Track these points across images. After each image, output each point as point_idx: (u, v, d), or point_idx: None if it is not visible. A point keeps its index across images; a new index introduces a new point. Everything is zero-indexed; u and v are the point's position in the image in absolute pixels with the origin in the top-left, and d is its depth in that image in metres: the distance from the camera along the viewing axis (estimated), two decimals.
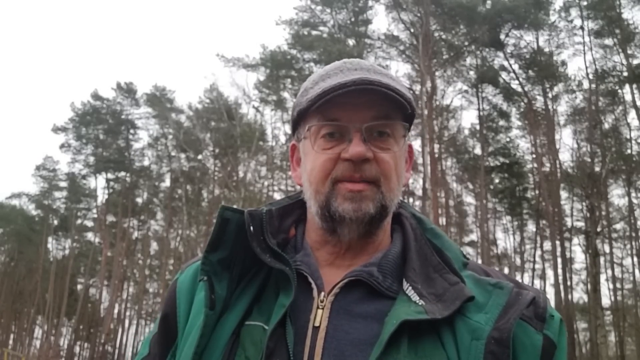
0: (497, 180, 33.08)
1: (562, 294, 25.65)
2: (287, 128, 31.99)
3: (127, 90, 37.91)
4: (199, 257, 0.91)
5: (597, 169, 25.64)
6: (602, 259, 26.99)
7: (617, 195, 31.87)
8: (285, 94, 31.62)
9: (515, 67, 29.21)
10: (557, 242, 26.46)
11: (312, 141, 0.89)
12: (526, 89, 29.23)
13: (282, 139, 33.49)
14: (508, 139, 31.83)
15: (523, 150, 32.03)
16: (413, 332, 0.77)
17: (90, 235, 44.53)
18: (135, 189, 40.27)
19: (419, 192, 27.59)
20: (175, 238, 39.65)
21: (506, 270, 29.51)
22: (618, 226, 29.56)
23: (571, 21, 27.63)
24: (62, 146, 38.88)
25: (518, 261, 33.81)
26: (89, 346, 41.91)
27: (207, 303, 0.83)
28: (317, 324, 0.81)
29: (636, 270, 27.90)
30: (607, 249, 28.89)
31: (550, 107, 28.75)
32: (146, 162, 39.68)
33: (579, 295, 33.99)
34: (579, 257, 50.17)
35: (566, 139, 33.28)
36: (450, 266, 0.87)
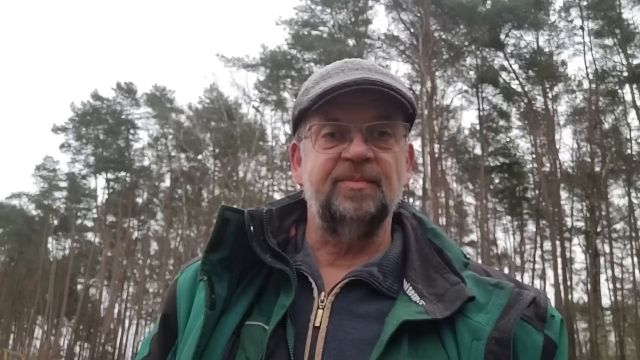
0: (497, 180, 33.10)
1: (562, 294, 25.65)
2: (287, 128, 32.01)
3: (127, 90, 37.92)
4: (199, 257, 0.91)
5: (597, 169, 25.65)
6: (602, 259, 27.00)
7: (617, 195, 31.87)
8: (285, 94, 31.65)
9: (515, 67, 29.25)
10: (557, 242, 26.46)
11: (312, 141, 0.89)
12: (526, 89, 29.24)
13: (282, 139, 33.53)
14: (508, 139, 31.88)
15: (523, 150, 32.09)
16: (414, 333, 0.77)
17: (90, 235, 44.56)
18: (135, 189, 40.27)
19: (419, 192, 27.59)
20: (175, 238, 39.67)
21: (506, 270, 29.49)
22: (618, 226, 29.59)
23: (571, 21, 27.65)
24: (62, 146, 38.91)
25: (518, 261, 33.85)
26: (89, 346, 41.91)
27: (207, 303, 0.83)
28: (317, 324, 0.81)
29: (636, 270, 27.93)
30: (607, 249, 28.88)
31: (550, 107, 28.77)
32: (146, 162, 39.74)
33: (579, 295, 34.03)
34: (579, 257, 50.22)
35: (566, 139, 33.34)
36: (451, 266, 0.87)
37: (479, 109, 30.32)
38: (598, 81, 26.81)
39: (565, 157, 34.97)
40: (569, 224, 29.24)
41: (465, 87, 30.85)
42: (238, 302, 0.86)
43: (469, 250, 32.37)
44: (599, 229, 25.47)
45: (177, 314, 0.90)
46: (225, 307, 0.86)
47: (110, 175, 39.70)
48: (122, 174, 39.74)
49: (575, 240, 29.71)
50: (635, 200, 27.63)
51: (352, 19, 30.19)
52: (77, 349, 42.91)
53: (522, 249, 33.79)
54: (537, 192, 30.67)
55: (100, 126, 38.41)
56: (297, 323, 0.81)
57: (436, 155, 27.00)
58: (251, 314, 0.85)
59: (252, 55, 31.24)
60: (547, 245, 30.80)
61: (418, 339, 0.77)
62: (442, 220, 28.05)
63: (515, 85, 29.54)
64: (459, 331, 0.78)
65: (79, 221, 43.00)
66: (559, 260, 26.40)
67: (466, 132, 33.77)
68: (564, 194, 29.22)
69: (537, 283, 30.75)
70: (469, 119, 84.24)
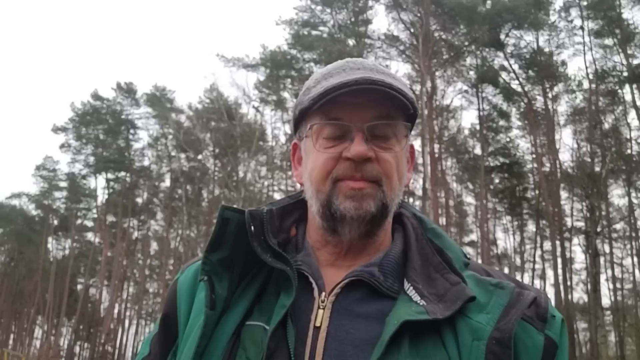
0: (497, 180, 33.11)
1: (562, 294, 25.66)
2: (287, 128, 32.05)
3: (127, 90, 37.93)
4: (200, 257, 0.91)
5: (597, 169, 25.66)
6: (602, 259, 27.00)
7: (617, 195, 31.89)
8: (285, 94, 31.67)
9: (515, 67, 29.27)
10: (557, 242, 26.47)
11: (313, 140, 0.89)
12: (526, 89, 29.25)
13: (282, 139, 33.55)
14: (508, 139, 31.90)
15: (523, 150, 32.11)
16: (414, 333, 0.77)
17: (90, 235, 44.57)
18: (135, 189, 40.27)
19: (419, 192, 27.59)
20: (175, 238, 39.68)
21: (506, 270, 29.47)
22: (618, 226, 29.59)
23: (571, 21, 27.66)
24: (62, 146, 38.93)
25: (518, 261, 33.86)
26: (89, 346, 41.92)
27: (207, 303, 0.83)
28: (318, 324, 0.81)
29: (636, 270, 27.93)
30: (607, 249, 28.89)
31: (550, 107, 28.79)
32: (146, 162, 39.75)
33: (579, 295, 34.04)
34: (579, 257, 50.24)
35: (566, 139, 33.36)
36: (452, 266, 0.87)
37: (479, 109, 30.35)
38: (598, 81, 26.82)
39: (565, 157, 35.03)
40: (569, 224, 29.26)
41: (465, 87, 30.90)
42: (238, 302, 0.86)
43: (469, 250, 32.36)
44: (599, 229, 25.48)
45: (178, 314, 0.90)
46: (225, 307, 0.85)
47: (110, 175, 39.74)
48: (122, 174, 39.77)
49: (575, 240, 29.75)
50: (635, 200, 27.66)
51: (352, 19, 30.19)
52: (77, 349, 42.95)
53: (522, 249, 33.82)
54: (537, 192, 30.69)
55: (100, 126, 38.42)
56: (297, 323, 0.81)
57: (436, 155, 27.01)
58: (252, 314, 0.85)
59: (252, 55, 31.30)
60: (547, 245, 30.83)
61: (419, 339, 0.77)
62: (442, 220, 28.06)
63: (515, 85, 29.58)
64: (460, 331, 0.78)
65: (79, 221, 43.02)
66: (559, 260, 26.42)
67: (466, 132, 33.84)
68: (564, 194, 29.26)
69: (537, 283, 30.77)
70: (469, 119, 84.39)
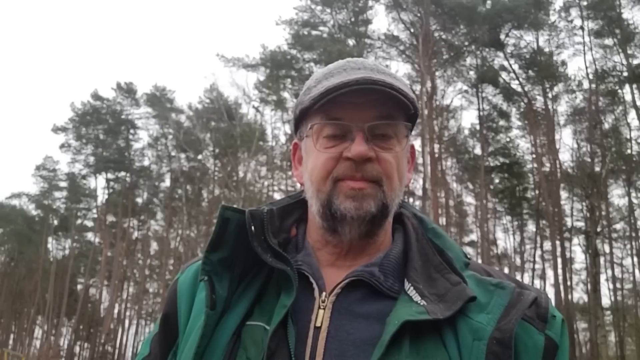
0: (497, 180, 33.11)
1: (562, 294, 25.65)
2: (287, 128, 32.05)
3: (127, 90, 37.93)
4: (200, 257, 0.91)
5: (597, 169, 25.66)
6: (602, 259, 27.01)
7: (617, 195, 31.90)
8: (285, 94, 31.66)
9: (515, 67, 29.27)
10: (557, 242, 26.47)
11: (314, 140, 0.89)
12: (526, 89, 29.25)
13: (282, 139, 33.55)
14: (508, 139, 31.90)
15: (523, 150, 32.11)
16: (415, 333, 0.77)
17: (90, 235, 44.57)
18: (135, 189, 40.27)
19: (419, 192, 27.59)
20: (175, 238, 39.68)
21: (506, 270, 29.47)
22: (618, 226, 29.60)
23: (571, 21, 27.66)
24: (62, 146, 38.92)
25: (518, 261, 33.86)
26: (89, 346, 41.93)
27: (208, 303, 0.83)
28: (318, 325, 0.81)
29: (636, 270, 27.93)
30: (607, 249, 28.90)
31: (550, 107, 28.79)
32: (146, 162, 39.75)
33: (579, 295, 34.04)
34: (579, 257, 50.27)
35: (566, 139, 33.36)
36: (452, 266, 0.87)
37: (479, 109, 30.35)
38: (598, 81, 26.82)
39: (565, 157, 35.03)
40: (569, 224, 29.26)
41: (465, 87, 30.90)
42: (239, 302, 0.86)
43: (469, 250, 32.37)
44: (599, 229, 25.48)
45: (178, 313, 0.90)
46: (226, 307, 0.85)
47: (110, 175, 39.73)
48: (122, 174, 39.76)
49: (575, 240, 29.75)
50: (635, 200, 27.66)
51: (352, 19, 30.19)
52: (77, 349, 42.95)
53: (522, 249, 33.82)
54: (537, 192, 30.69)
55: (100, 126, 38.42)
56: (298, 323, 0.81)
57: (436, 155, 27.01)
58: (252, 314, 0.85)
59: (252, 55, 31.30)
60: (547, 245, 30.83)
61: (419, 339, 0.77)
62: (442, 220, 28.06)
63: (515, 85, 29.58)
64: (460, 331, 0.78)
65: (79, 221, 43.02)
66: (559, 260, 26.41)
67: (466, 132, 33.84)
68: (564, 194, 29.26)
69: (537, 283, 30.77)
70: (469, 119, 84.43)
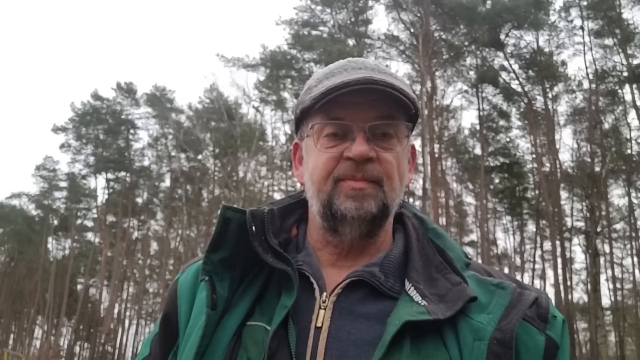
0: (497, 180, 33.11)
1: (562, 294, 25.65)
2: (287, 128, 32.05)
3: (127, 90, 37.93)
4: (200, 257, 0.91)
5: (597, 169, 25.65)
6: (602, 259, 27.01)
7: (617, 195, 31.93)
8: (285, 94, 31.66)
9: (515, 67, 29.27)
10: (557, 242, 26.47)
11: (315, 140, 0.89)
12: (526, 89, 29.25)
13: (282, 139, 33.55)
14: (508, 139, 31.90)
15: (523, 150, 32.11)
16: (415, 333, 0.77)
17: (90, 235, 44.58)
18: (135, 189, 40.27)
19: (419, 192, 27.58)
20: (175, 238, 39.68)
21: (506, 270, 29.46)
22: (618, 226, 29.60)
23: (571, 21, 27.66)
24: (62, 146, 38.93)
25: (518, 261, 33.87)
26: (89, 346, 41.93)
27: (208, 303, 0.83)
28: (319, 325, 0.81)
29: (636, 270, 27.94)
30: (607, 249, 28.90)
31: (550, 107, 28.79)
32: (146, 162, 39.76)
33: (579, 295, 34.05)
34: (579, 257, 50.26)
35: (566, 139, 33.36)
36: (453, 266, 0.87)
37: (479, 109, 30.35)
38: (598, 81, 26.82)
39: (565, 157, 35.05)
40: (569, 224, 29.26)
41: (465, 87, 30.90)
42: (239, 303, 0.86)
43: (469, 250, 32.36)
44: (599, 229, 25.47)
45: (178, 313, 0.90)
46: (226, 308, 0.85)
47: (110, 175, 39.73)
48: (122, 174, 39.77)
49: (575, 240, 29.76)
50: (635, 200, 27.67)
51: (352, 19, 30.19)
52: (77, 349, 42.97)
53: (522, 249, 33.82)
54: (537, 192, 30.69)
55: (100, 126, 38.43)
56: (298, 323, 0.80)
57: (436, 155, 27.01)
58: (253, 314, 0.85)
59: (252, 55, 31.29)
60: (547, 245, 30.83)
61: (420, 339, 0.77)
62: (442, 220, 28.06)
63: (515, 85, 29.58)
64: (461, 331, 0.78)
65: (79, 221, 43.02)
66: (559, 260, 26.42)
67: (466, 132, 33.85)
68: (564, 194, 29.25)
69: (537, 283, 30.77)
70: (469, 119, 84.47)
